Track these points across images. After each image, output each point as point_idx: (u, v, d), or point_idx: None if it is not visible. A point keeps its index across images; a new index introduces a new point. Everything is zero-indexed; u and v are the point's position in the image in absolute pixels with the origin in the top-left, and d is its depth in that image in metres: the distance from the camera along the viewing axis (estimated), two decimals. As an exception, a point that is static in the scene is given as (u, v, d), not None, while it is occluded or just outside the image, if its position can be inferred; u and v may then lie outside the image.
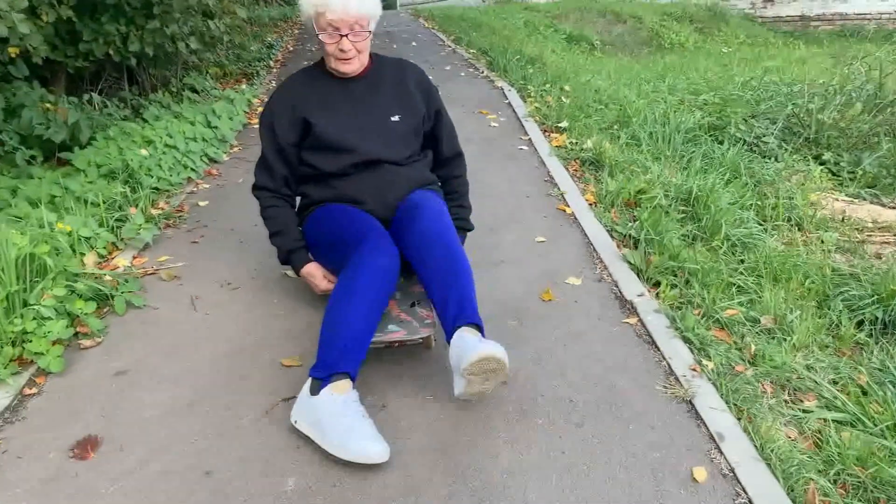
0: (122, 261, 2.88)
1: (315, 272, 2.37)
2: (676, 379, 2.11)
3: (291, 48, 9.69)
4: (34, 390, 2.10)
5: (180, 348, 2.31)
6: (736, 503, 1.65)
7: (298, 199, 2.47)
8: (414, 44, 9.45)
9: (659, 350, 2.25)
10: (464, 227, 2.55)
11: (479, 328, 1.93)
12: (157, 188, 3.68)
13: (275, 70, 7.86)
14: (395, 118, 2.32)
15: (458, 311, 1.94)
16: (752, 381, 2.17)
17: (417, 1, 18.44)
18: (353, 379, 1.85)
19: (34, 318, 2.26)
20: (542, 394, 2.04)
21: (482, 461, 1.78)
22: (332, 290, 2.26)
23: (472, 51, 8.68)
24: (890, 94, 5.50)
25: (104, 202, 3.25)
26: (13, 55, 3.72)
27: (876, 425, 2.04)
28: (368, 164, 2.28)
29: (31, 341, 2.20)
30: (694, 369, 2.15)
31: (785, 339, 2.49)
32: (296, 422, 1.85)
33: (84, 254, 2.81)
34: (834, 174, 4.75)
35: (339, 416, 1.75)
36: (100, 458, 1.82)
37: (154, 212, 3.39)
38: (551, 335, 2.35)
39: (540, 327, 2.40)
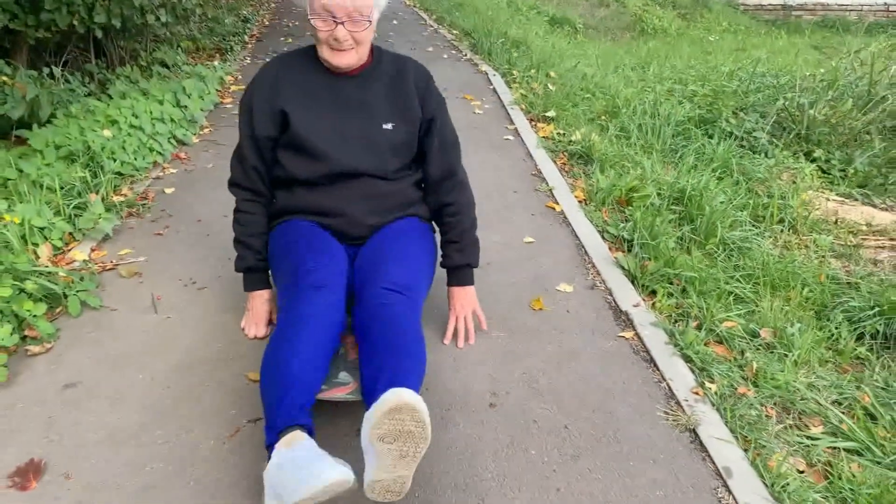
0: (80, 254, 2.66)
1: (257, 308, 2.21)
2: (678, 403, 1.96)
3: (267, 22, 9.36)
4: (-28, 405, 1.89)
5: (137, 357, 2.11)
6: (748, 551, 1.51)
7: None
8: (395, 22, 9.17)
9: (658, 370, 2.10)
10: (457, 266, 2.21)
11: None
12: (120, 173, 3.43)
13: (250, 45, 7.56)
14: (388, 126, 2.02)
15: (389, 382, 1.56)
16: (755, 405, 2.02)
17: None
18: (308, 431, 1.53)
19: (-26, 323, 2.04)
20: (535, 420, 1.87)
21: (468, 503, 1.61)
22: (248, 332, 2.22)
23: (454, 31, 8.45)
24: (882, 90, 5.39)
25: (61, 187, 3.02)
26: (-31, 24, 3.46)
27: (886, 455, 1.92)
28: (346, 176, 2.00)
29: (-31, 349, 1.99)
30: (696, 393, 2.00)
31: (786, 356, 2.35)
32: None
33: (38, 245, 2.59)
34: (825, 172, 4.64)
35: (289, 469, 1.42)
36: (43, 488, 1.62)
37: (116, 199, 3.16)
38: (543, 352, 2.18)
39: (531, 342, 2.23)
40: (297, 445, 1.47)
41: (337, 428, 1.81)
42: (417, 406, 1.42)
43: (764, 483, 1.70)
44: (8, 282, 2.21)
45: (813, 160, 4.67)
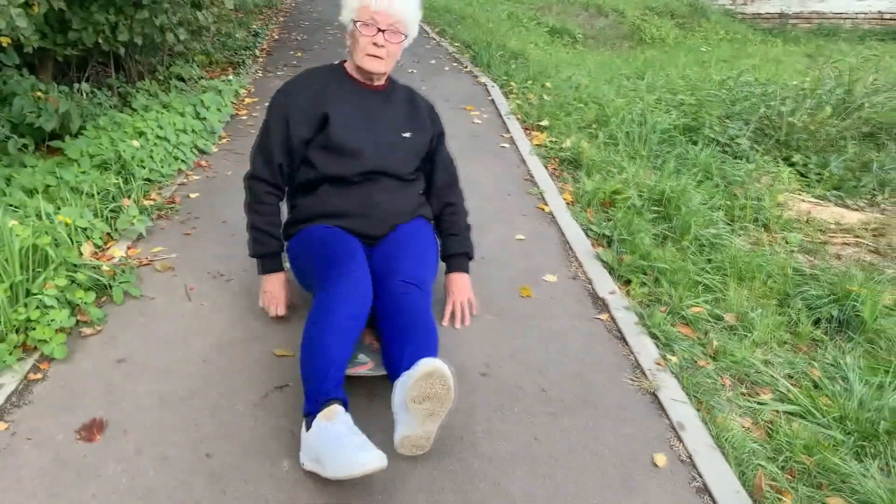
0: (118, 251, 2.99)
1: (276, 289, 2.48)
2: (643, 372, 2.28)
3: (277, 36, 9.72)
4: (39, 375, 2.21)
5: (177, 338, 2.44)
6: (692, 486, 1.82)
7: (287, 210, 2.52)
8: (398, 35, 9.51)
9: (628, 345, 2.42)
10: (456, 254, 2.57)
11: None
12: (149, 179, 3.78)
13: (261, 59, 7.92)
14: (407, 135, 2.37)
15: (412, 359, 1.85)
16: (712, 375, 2.34)
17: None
18: (343, 404, 1.82)
19: (37, 307, 2.37)
20: (520, 386, 2.20)
21: (463, 450, 1.93)
22: (269, 312, 2.50)
23: (456, 44, 8.80)
24: (859, 98, 5.71)
25: (98, 193, 3.35)
26: (5, 44, 3.79)
27: (824, 416, 2.23)
28: (372, 175, 2.30)
29: (34, 329, 2.31)
30: (659, 363, 2.32)
31: (746, 336, 2.66)
32: (304, 464, 1.81)
33: (81, 243, 2.92)
34: (802, 175, 4.95)
35: (331, 443, 1.71)
36: (105, 440, 1.95)
37: (147, 203, 3.50)
38: (530, 332, 2.51)
39: (519, 323, 2.56)
40: (337, 419, 1.75)
41: (357, 397, 2.06)
42: (445, 372, 1.74)
43: (710, 434, 2.02)
44: (63, 274, 2.55)
45: (791, 164, 4.99)
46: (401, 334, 2.01)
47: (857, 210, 4.44)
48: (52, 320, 2.35)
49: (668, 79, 7.52)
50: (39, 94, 4.13)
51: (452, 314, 2.54)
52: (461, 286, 2.57)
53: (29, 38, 3.63)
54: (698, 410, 2.12)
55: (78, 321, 2.48)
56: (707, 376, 2.32)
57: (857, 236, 3.96)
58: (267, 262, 2.45)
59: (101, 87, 5.19)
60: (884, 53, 10.10)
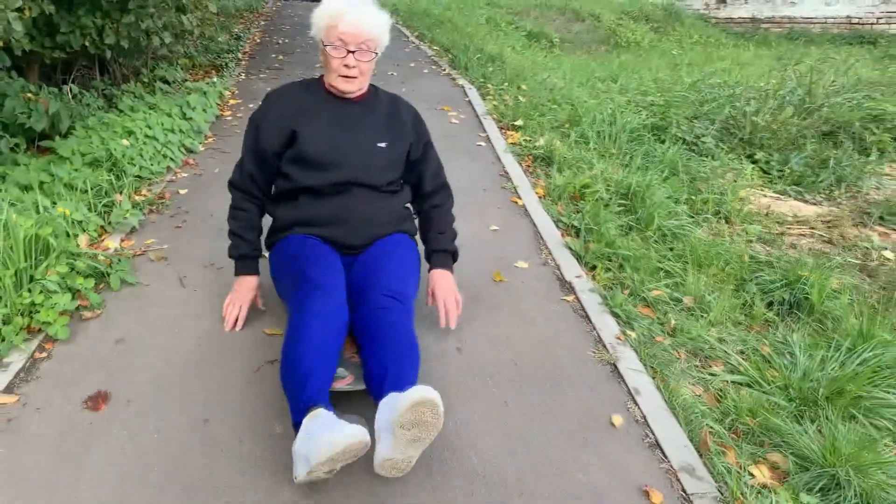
0: (112, 243, 3.15)
1: (244, 290, 2.53)
2: (604, 346, 2.48)
3: (259, 40, 9.88)
4: (44, 354, 2.38)
5: (172, 320, 2.61)
6: (645, 442, 2.03)
7: (268, 218, 2.52)
8: (378, 38, 9.70)
9: (591, 323, 2.63)
10: (441, 250, 2.53)
11: None
12: (139, 176, 3.94)
13: (243, 62, 8.08)
14: (382, 144, 2.34)
15: (396, 381, 1.87)
16: (668, 350, 2.56)
17: (381, -7, 18.62)
18: (326, 407, 1.81)
19: (41, 292, 2.53)
20: (491, 360, 2.39)
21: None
22: (230, 314, 2.53)
23: (435, 47, 9.01)
24: (819, 98, 5.98)
25: (91, 189, 3.51)
26: (-3, 47, 3.94)
27: (770, 385, 2.44)
28: (347, 185, 2.30)
29: (39, 312, 2.48)
30: (619, 338, 2.53)
31: (703, 317, 2.88)
32: (296, 477, 1.74)
33: (78, 235, 3.08)
34: (765, 172, 5.20)
35: (317, 430, 1.71)
36: (110, 409, 2.12)
37: (138, 198, 3.66)
38: (501, 312, 2.71)
39: (491, 305, 2.76)
40: (319, 416, 1.75)
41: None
42: (436, 401, 1.71)
43: (663, 399, 2.22)
44: (63, 262, 2.71)
45: (755, 162, 5.24)
46: (381, 350, 1.97)
47: (814, 204, 4.69)
48: (55, 304, 2.51)
49: (640, 81, 7.77)
50: (30, 95, 4.27)
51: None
52: (446, 285, 2.51)
53: (20, 40, 3.79)
54: (653, 378, 2.33)
55: (79, 306, 2.64)
56: (663, 350, 2.53)
57: (813, 227, 4.20)
58: (241, 264, 2.52)
59: (87, 89, 5.33)
60: (849, 56, 10.44)
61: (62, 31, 4.71)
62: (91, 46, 4.92)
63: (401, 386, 1.81)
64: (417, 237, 2.56)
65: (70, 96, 4.87)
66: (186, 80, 6.33)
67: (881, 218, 4.29)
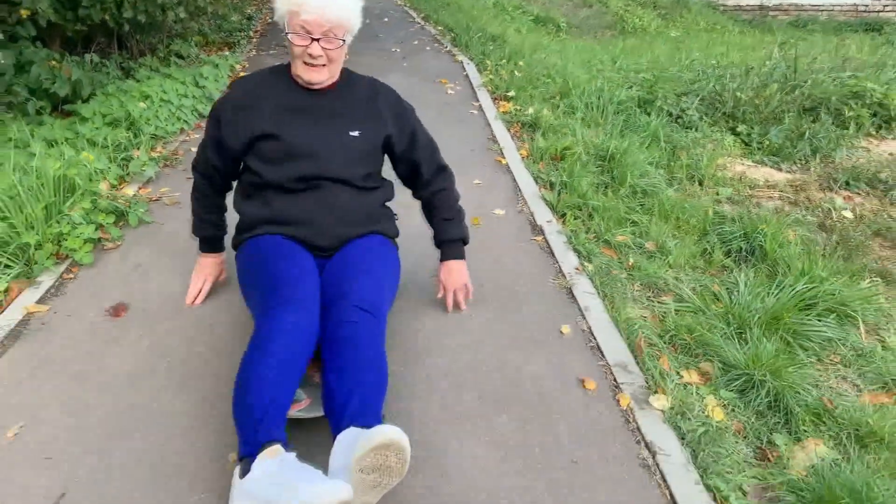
0: (130, 190, 3.49)
1: (208, 265, 2.53)
2: (563, 275, 2.80)
3: (270, 20, 10.19)
4: (71, 276, 2.72)
5: (184, 252, 2.94)
6: (588, 346, 2.35)
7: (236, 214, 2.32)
8: (385, 19, 10.03)
9: (554, 257, 2.94)
10: (450, 239, 2.44)
11: None
12: (155, 135, 4.28)
13: (254, 40, 8.41)
14: (355, 133, 2.14)
15: (359, 413, 1.65)
16: (623, 281, 2.86)
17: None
18: (284, 445, 1.60)
19: (68, 224, 2.87)
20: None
21: (411, 324, 2.45)
22: (194, 286, 2.53)
23: (439, 27, 9.29)
24: (805, 75, 6.24)
25: (111, 144, 3.85)
26: (24, 16, 4.29)
27: (710, 312, 2.74)
28: (316, 180, 2.10)
29: (66, 240, 2.82)
30: (577, 269, 2.84)
31: (663, 260, 3.18)
32: None
33: (100, 181, 3.42)
34: (746, 144, 5.48)
35: (286, 476, 1.50)
36: (129, 316, 2.46)
37: (154, 154, 4.00)
38: (477, 248, 3.01)
39: (469, 244, 3.06)
40: (282, 457, 1.55)
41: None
42: (403, 445, 1.49)
43: (610, 315, 2.54)
44: (88, 199, 3.05)
45: (736, 134, 5.52)
46: (346, 373, 1.74)
47: (788, 173, 4.96)
48: (80, 234, 2.85)
49: (637, 62, 8.02)
50: (54, 62, 4.61)
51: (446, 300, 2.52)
52: (458, 274, 2.46)
53: (46, 10, 4.13)
54: (603, 300, 2.64)
55: (100, 238, 2.98)
56: (618, 281, 2.84)
57: (781, 191, 4.49)
58: (203, 244, 2.50)
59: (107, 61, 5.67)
60: (850, 43, 10.62)
61: (83, 5, 5.05)
62: (110, 20, 5.25)
63: (364, 418, 1.62)
64: (398, 240, 2.38)
65: (91, 65, 5.21)
66: (200, 56, 6.66)
67: (847, 183, 4.57)
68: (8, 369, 2.15)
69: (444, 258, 2.46)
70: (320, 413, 1.80)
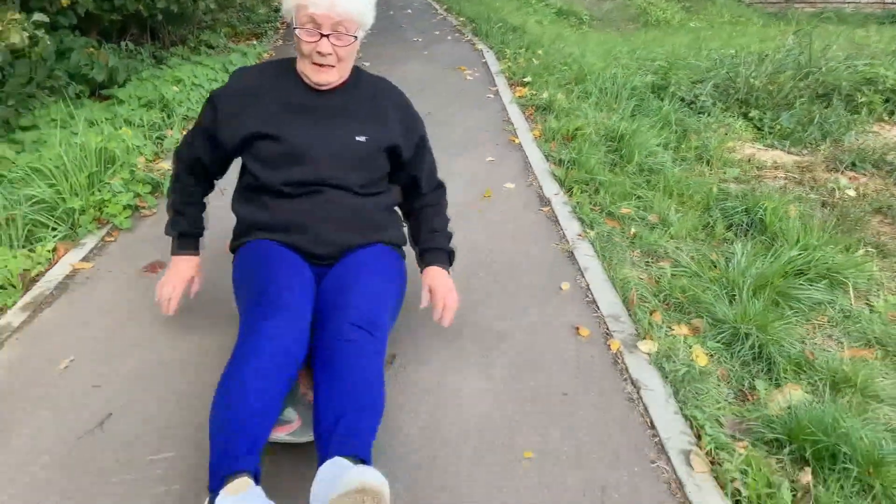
0: (165, 165, 3.73)
1: (182, 268, 2.23)
2: (567, 240, 2.99)
3: (296, 13, 10.46)
4: (112, 239, 2.97)
5: (217, 219, 3.13)
6: (585, 300, 2.54)
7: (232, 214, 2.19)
8: (409, 11, 10.25)
9: (559, 224, 3.13)
10: (435, 247, 2.18)
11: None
12: (186, 116, 4.53)
13: (281, 30, 8.67)
14: (361, 138, 1.97)
15: (345, 438, 1.53)
16: (623, 248, 3.04)
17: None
18: (254, 476, 1.47)
19: (109, 192, 3.12)
20: (473, 249, 2.91)
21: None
22: (163, 296, 2.16)
23: (461, 18, 9.49)
24: (819, 62, 6.34)
25: (146, 124, 4.10)
26: (64, 5, 4.56)
27: (705, 276, 2.91)
28: (316, 185, 1.94)
29: (107, 207, 3.07)
30: (580, 235, 3.03)
31: (665, 231, 3.34)
32: None
33: (136, 156, 3.66)
34: (758, 129, 5.61)
35: None
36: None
37: (185, 133, 4.24)
38: (486, 220, 3.22)
39: (479, 214, 3.27)
40: (244, 495, 1.42)
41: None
42: (382, 491, 1.38)
43: (608, 276, 2.72)
44: (127, 170, 3.30)
45: (749, 119, 5.65)
46: (338, 395, 1.60)
47: (797, 156, 5.08)
48: (120, 200, 3.10)
49: (655, 52, 8.14)
50: (92, 49, 4.88)
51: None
52: (443, 279, 2.14)
53: (83, 1, 4.40)
54: (602, 261, 2.83)
55: (138, 206, 3.23)
56: (619, 248, 3.02)
57: (788, 171, 4.61)
58: (179, 241, 2.26)
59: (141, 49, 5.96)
60: (873, 35, 10.61)
61: (120, -4, 5.32)
62: (144, 10, 5.52)
63: (350, 448, 1.51)
64: (407, 247, 2.21)
65: (125, 52, 5.49)
66: (228, 45, 6.93)
67: (853, 164, 4.68)
68: (59, 314, 2.39)
69: (427, 264, 2.18)
70: (308, 438, 1.70)
